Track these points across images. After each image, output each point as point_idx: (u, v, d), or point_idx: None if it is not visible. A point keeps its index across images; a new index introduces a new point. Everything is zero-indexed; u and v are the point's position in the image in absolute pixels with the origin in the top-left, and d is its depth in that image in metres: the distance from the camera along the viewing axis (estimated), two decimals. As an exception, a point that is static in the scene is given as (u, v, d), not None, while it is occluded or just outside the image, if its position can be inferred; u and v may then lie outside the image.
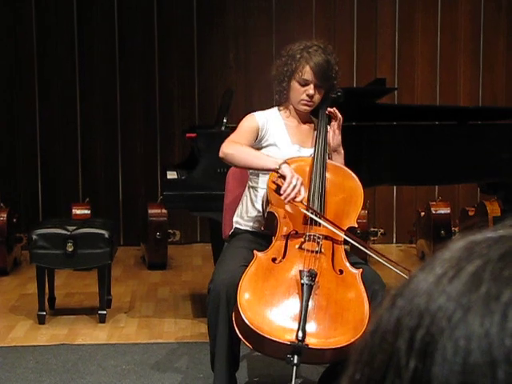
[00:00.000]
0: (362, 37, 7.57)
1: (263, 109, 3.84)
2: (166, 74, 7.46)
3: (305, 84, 3.65)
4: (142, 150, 7.49)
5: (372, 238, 6.80)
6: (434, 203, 6.60)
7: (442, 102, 7.56)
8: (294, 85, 3.68)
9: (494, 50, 7.69)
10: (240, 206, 3.80)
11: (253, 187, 3.72)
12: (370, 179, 4.47)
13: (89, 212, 6.57)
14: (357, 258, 3.69)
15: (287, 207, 3.48)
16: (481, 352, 0.55)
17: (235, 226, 3.80)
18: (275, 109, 3.81)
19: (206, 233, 6.39)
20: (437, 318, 0.57)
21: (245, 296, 3.24)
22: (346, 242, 3.58)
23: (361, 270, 3.42)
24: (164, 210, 6.42)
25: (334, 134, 3.69)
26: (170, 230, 6.69)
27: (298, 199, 3.35)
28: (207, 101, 7.36)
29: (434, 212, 6.51)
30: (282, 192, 3.34)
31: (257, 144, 3.69)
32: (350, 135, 3.80)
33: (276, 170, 3.41)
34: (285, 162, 3.43)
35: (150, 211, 6.54)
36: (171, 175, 5.20)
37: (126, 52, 7.42)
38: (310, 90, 3.65)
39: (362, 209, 6.67)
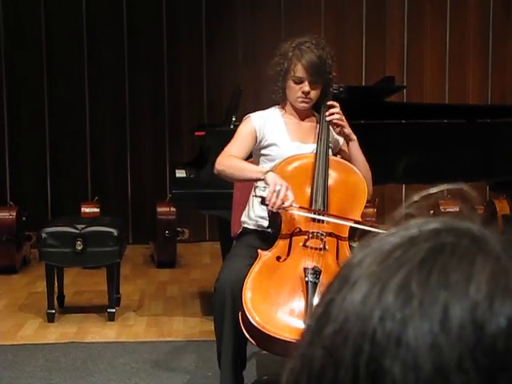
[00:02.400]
0: (370, 35, 7.56)
1: (265, 108, 3.84)
2: (175, 72, 7.46)
3: (299, 82, 3.65)
4: (151, 148, 7.49)
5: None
6: (443, 201, 6.59)
7: (451, 101, 7.55)
8: (289, 83, 3.68)
9: (503, 49, 7.67)
10: (247, 206, 3.81)
11: (258, 187, 3.72)
12: (378, 177, 4.47)
13: (98, 210, 6.58)
14: None
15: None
16: (432, 364, 0.53)
17: (243, 225, 3.80)
18: (274, 108, 3.82)
19: (215, 231, 6.39)
20: (376, 340, 0.54)
21: (250, 296, 3.23)
22: (352, 238, 3.57)
23: None
24: (173, 209, 6.42)
25: (338, 127, 3.68)
26: (178, 229, 6.69)
27: (286, 204, 3.33)
28: (216, 99, 7.36)
29: (442, 210, 6.50)
30: (266, 202, 3.32)
31: (258, 145, 3.70)
32: (359, 133, 3.79)
33: (262, 180, 3.40)
34: (270, 171, 3.42)
35: (159, 209, 6.55)
36: (180, 173, 5.20)
37: (135, 51, 7.42)
38: (305, 87, 3.65)
39: (371, 207, 6.68)
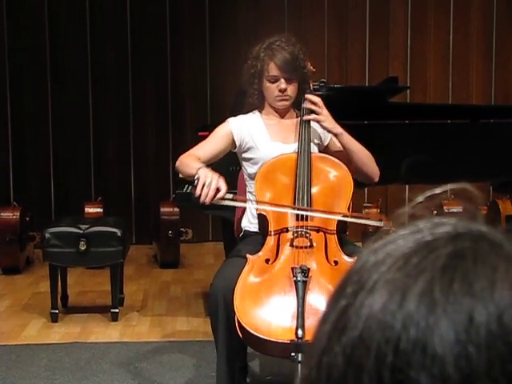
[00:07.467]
0: (374, 35, 7.56)
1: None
2: (178, 73, 7.46)
3: (274, 80, 3.66)
4: (154, 148, 7.50)
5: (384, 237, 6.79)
6: (446, 202, 6.58)
7: (455, 100, 7.55)
8: (266, 84, 3.68)
9: (507, 46, 7.66)
10: (246, 210, 3.80)
11: (250, 192, 3.72)
12: (381, 178, 4.47)
13: (101, 210, 6.58)
14: (354, 246, 3.66)
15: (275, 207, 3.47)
16: (460, 374, 0.51)
17: (244, 229, 3.80)
18: (253, 111, 3.81)
19: (218, 231, 6.39)
20: (400, 349, 0.53)
21: (240, 301, 3.22)
22: (342, 231, 3.55)
23: (356, 258, 3.34)
24: (176, 209, 6.42)
25: (321, 121, 3.64)
26: (182, 229, 6.69)
27: (218, 196, 3.31)
28: (219, 99, 7.36)
29: (446, 211, 6.49)
30: (197, 195, 3.31)
31: (239, 150, 3.71)
32: (362, 134, 3.79)
33: (195, 175, 3.38)
34: (201, 167, 3.40)
35: (162, 210, 6.55)
36: (183, 174, 5.20)
37: (138, 51, 7.43)
38: (282, 84, 3.65)
39: (374, 207, 6.68)
